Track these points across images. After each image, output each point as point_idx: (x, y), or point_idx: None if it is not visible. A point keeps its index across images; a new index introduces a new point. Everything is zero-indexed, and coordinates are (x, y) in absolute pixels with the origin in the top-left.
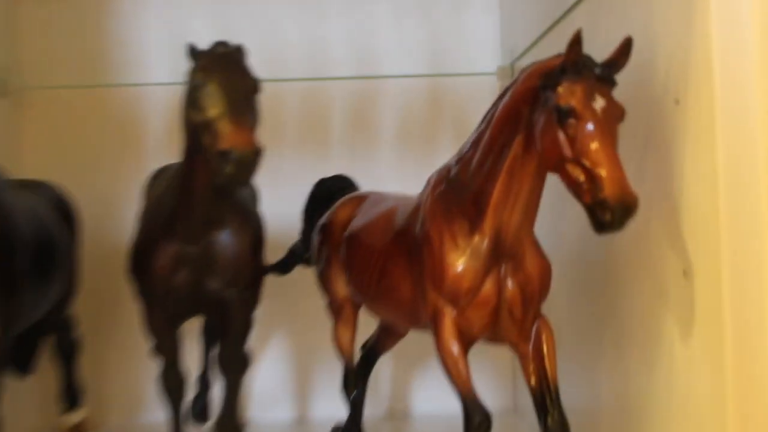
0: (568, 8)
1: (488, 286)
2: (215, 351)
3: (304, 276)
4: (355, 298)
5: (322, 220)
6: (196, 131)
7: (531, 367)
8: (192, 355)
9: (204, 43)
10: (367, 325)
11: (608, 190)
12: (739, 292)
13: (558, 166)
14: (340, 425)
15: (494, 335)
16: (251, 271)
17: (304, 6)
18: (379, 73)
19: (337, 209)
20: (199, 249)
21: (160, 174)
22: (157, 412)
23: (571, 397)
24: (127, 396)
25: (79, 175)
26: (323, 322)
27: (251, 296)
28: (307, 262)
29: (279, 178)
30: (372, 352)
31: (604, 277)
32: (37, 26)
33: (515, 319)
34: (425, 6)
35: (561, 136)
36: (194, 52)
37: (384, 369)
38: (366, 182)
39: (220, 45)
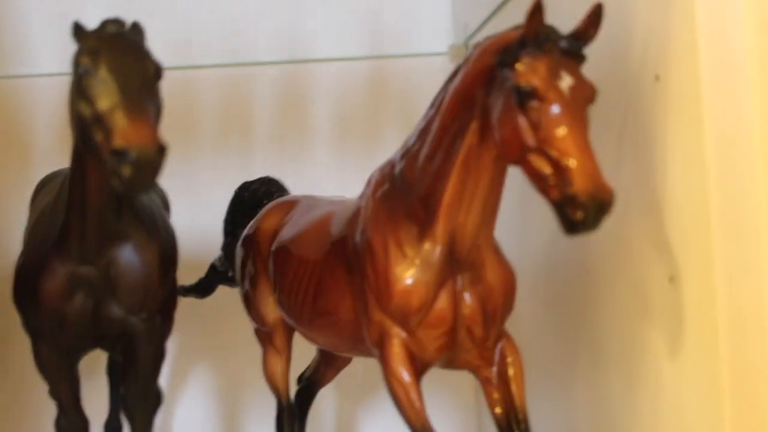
0: None
1: (442, 302)
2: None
3: (228, 297)
4: (288, 321)
5: (247, 230)
6: (86, 127)
7: (495, 394)
8: (98, 396)
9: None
10: (303, 352)
11: (579, 184)
12: (734, 299)
13: (520, 157)
14: None
15: (452, 359)
16: (161, 294)
17: None
18: (310, 57)
19: (264, 217)
20: (97, 270)
21: (49, 181)
22: None
23: (542, 429)
24: None
25: None
26: (252, 351)
27: (161, 324)
28: (231, 281)
29: (194, 182)
30: (310, 384)
31: (578, 286)
32: None
33: (475, 339)
34: None
35: (522, 121)
36: (81, 33)
37: (326, 403)
38: (297, 185)
39: (111, 23)
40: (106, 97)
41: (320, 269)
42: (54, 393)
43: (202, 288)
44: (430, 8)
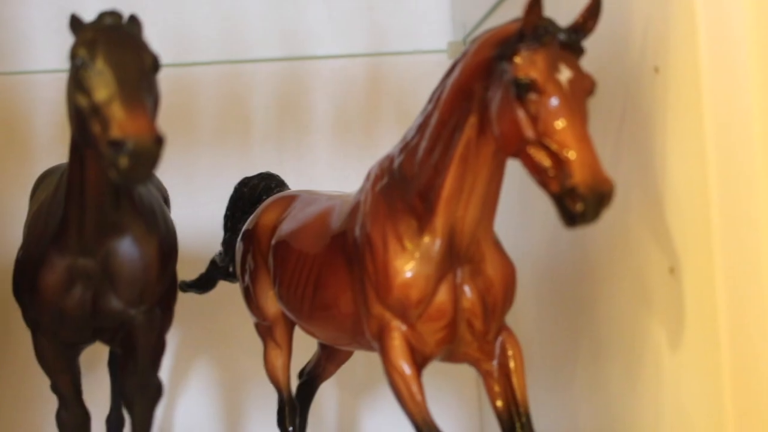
0: None
1: (442, 295)
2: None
3: (229, 292)
4: (288, 315)
5: (246, 225)
6: (83, 119)
7: (496, 388)
8: (99, 390)
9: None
10: (304, 346)
11: (578, 176)
12: (734, 291)
13: (519, 150)
14: None
15: (452, 352)
16: (160, 287)
17: None
18: (309, 54)
19: (263, 212)
20: (96, 262)
21: (48, 175)
22: None
23: (543, 421)
24: None
25: None
26: (253, 346)
27: (161, 316)
28: (231, 276)
29: (194, 178)
30: (312, 378)
31: (578, 279)
32: None
33: (476, 332)
34: None
35: (521, 114)
36: (78, 25)
37: (327, 397)
38: (296, 180)
39: (109, 15)
40: (103, 88)
41: (320, 263)
42: (55, 386)
43: (203, 283)
44: (429, 5)
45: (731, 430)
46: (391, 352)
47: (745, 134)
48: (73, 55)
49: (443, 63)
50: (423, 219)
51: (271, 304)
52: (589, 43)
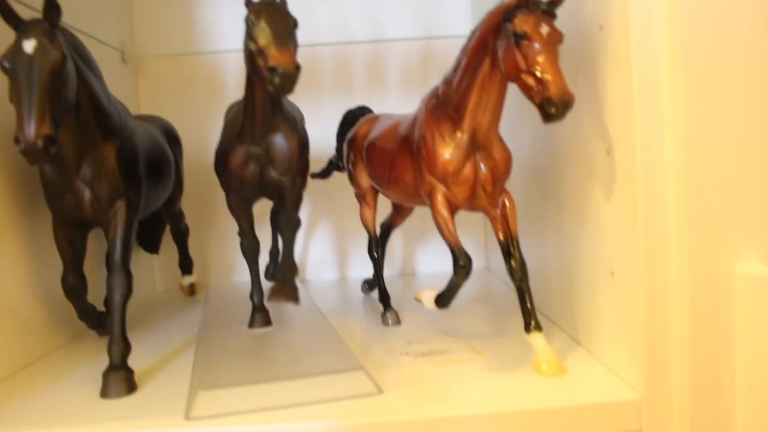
0: None
1: (467, 170)
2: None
3: (340, 178)
4: (375, 186)
5: (349, 135)
6: (253, 58)
7: (499, 226)
8: (265, 235)
9: None
10: (384, 208)
11: (553, 90)
12: (649, 166)
13: (516, 76)
14: (369, 280)
15: (472, 204)
16: (299, 164)
17: None
18: (386, 37)
19: (359, 126)
20: (262, 149)
21: (232, 106)
22: (244, 275)
23: (526, 251)
24: (223, 264)
25: (179, 114)
26: (353, 207)
27: (300, 181)
28: (341, 168)
29: (320, 112)
30: (388, 227)
31: (548, 162)
32: (145, 10)
33: (487, 192)
34: None
35: (517, 54)
36: (249, 2)
37: (397, 240)
38: (379, 111)
39: None
40: (264, 37)
41: (394, 153)
42: (240, 226)
43: (325, 173)
44: (458, 5)
45: (642, 251)
46: (436, 203)
47: (656, 67)
48: (247, 19)
49: None
50: (456, 123)
51: (365, 180)
52: (559, 11)
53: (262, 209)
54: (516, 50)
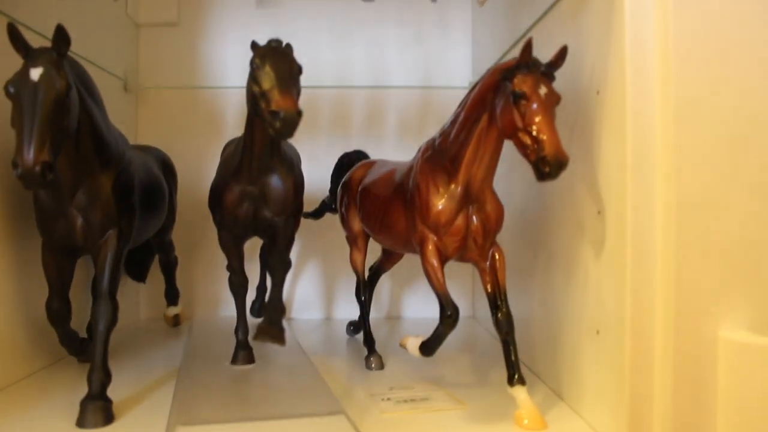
0: (519, 37)
1: (460, 221)
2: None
3: (331, 219)
4: (366, 231)
5: (344, 179)
6: (255, 100)
7: (487, 278)
8: (254, 270)
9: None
10: (374, 252)
11: (548, 150)
12: (639, 229)
13: (512, 134)
14: (354, 322)
15: (462, 255)
16: (293, 206)
17: (336, 35)
18: (387, 84)
19: (355, 171)
20: (257, 188)
21: (230, 143)
22: (229, 309)
23: (514, 304)
24: (209, 297)
25: (177, 143)
26: (344, 249)
27: (293, 222)
28: (334, 210)
29: (317, 153)
30: (377, 271)
31: (539, 218)
32: (151, 43)
33: (478, 244)
34: (419, 37)
35: (515, 112)
36: (255, 45)
37: (385, 284)
38: (375, 156)
39: (274, 41)
40: (268, 81)
41: (387, 200)
42: (229, 263)
43: (317, 213)
44: (458, 57)
45: (629, 312)
46: (427, 252)
47: (651, 135)
48: (252, 62)
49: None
50: (451, 175)
51: (357, 224)
52: (558, 74)
53: (253, 245)
54: (514, 109)
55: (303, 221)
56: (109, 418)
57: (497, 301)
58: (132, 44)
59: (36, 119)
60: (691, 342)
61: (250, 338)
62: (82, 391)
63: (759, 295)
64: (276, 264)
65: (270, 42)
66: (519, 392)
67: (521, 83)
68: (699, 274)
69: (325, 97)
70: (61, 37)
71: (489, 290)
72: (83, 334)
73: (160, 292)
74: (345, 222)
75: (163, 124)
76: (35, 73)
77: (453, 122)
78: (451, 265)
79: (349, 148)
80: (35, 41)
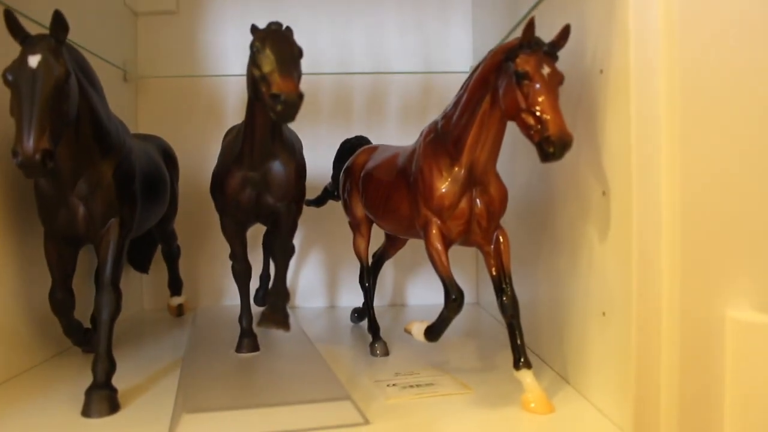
0: (520, 19)
1: (463, 204)
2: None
3: (334, 206)
4: (369, 216)
5: (346, 164)
6: (256, 83)
7: (492, 262)
8: (257, 260)
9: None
10: (377, 238)
11: (552, 130)
12: (644, 209)
13: (516, 115)
14: (358, 309)
15: (466, 239)
16: (295, 192)
17: (336, 21)
18: (388, 70)
19: (357, 157)
20: (259, 174)
21: (231, 130)
22: (233, 298)
23: (518, 289)
24: (212, 286)
25: (177, 133)
26: (346, 235)
27: (296, 208)
28: (336, 197)
29: (318, 140)
30: (380, 257)
31: (543, 200)
32: (150, 32)
33: (482, 228)
34: (419, 21)
35: (518, 93)
36: (255, 29)
37: (388, 271)
38: (377, 141)
39: (273, 23)
40: (268, 64)
41: (390, 185)
42: (232, 251)
43: (320, 201)
44: (459, 42)
45: (635, 293)
46: (431, 236)
47: (655, 115)
48: (252, 45)
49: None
50: (454, 158)
51: (360, 210)
52: (561, 53)
53: (255, 233)
54: (517, 89)
55: (305, 209)
56: (114, 407)
57: (502, 285)
58: (131, 33)
59: (35, 107)
60: (697, 322)
61: (254, 325)
62: (87, 381)
63: (766, 273)
64: (279, 250)
65: (270, 25)
66: (525, 376)
67: (524, 63)
68: (705, 254)
69: (325, 84)
70: (59, 23)
71: (494, 273)
72: (87, 325)
73: (163, 282)
74: (348, 208)
75: (163, 113)
76: (33, 60)
77: (455, 104)
78: (455, 253)
79: (351, 134)
80: (33, 30)
